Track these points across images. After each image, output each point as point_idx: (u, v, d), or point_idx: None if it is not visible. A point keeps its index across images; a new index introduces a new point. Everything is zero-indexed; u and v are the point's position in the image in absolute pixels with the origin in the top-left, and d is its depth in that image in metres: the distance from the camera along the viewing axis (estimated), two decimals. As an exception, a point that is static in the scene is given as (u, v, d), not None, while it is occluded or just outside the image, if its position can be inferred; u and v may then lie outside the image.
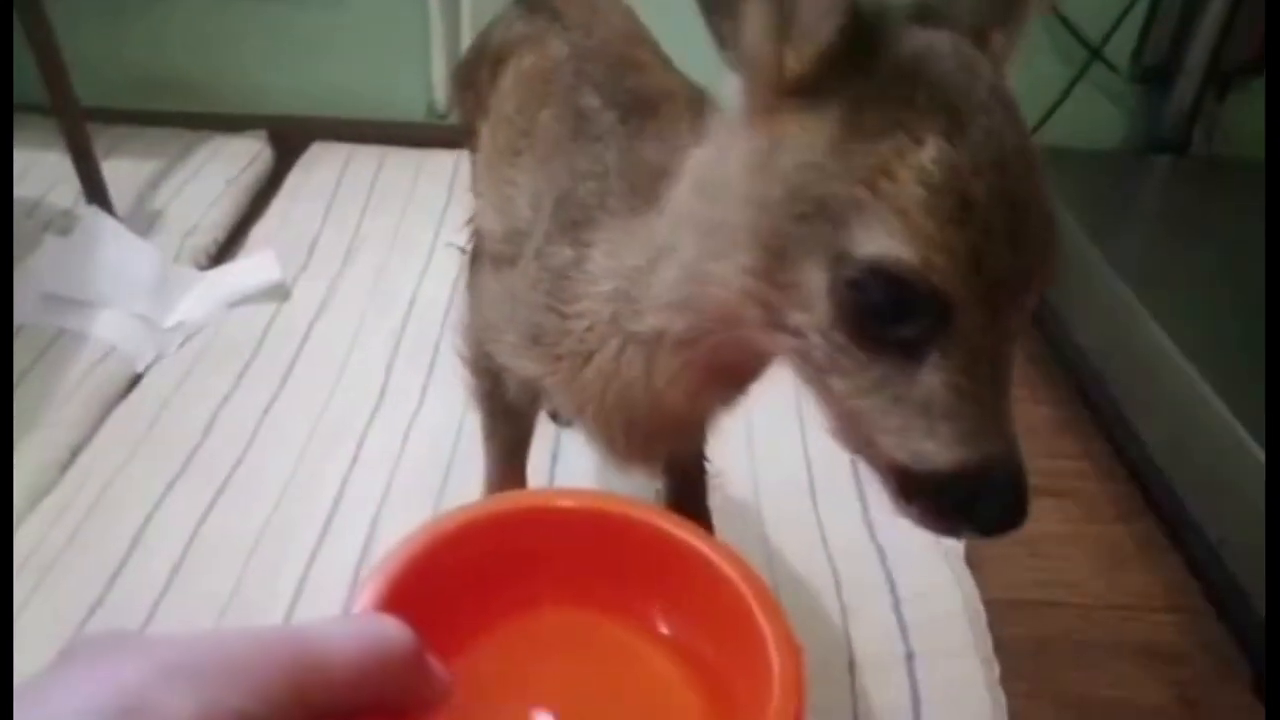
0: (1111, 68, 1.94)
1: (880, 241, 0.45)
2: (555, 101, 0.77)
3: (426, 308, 1.54)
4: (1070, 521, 1.30)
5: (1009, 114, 0.47)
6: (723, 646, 0.53)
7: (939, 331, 0.46)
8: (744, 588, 0.53)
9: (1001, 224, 0.44)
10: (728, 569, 0.53)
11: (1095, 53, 1.92)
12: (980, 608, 1.11)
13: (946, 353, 0.46)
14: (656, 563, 0.56)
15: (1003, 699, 1.01)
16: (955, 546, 1.19)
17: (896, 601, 1.09)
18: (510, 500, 0.57)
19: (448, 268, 1.63)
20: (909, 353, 0.47)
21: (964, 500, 0.47)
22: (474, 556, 0.54)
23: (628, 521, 0.57)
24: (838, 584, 1.11)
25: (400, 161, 1.96)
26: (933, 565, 1.14)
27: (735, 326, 0.54)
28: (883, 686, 1.01)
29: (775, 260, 0.49)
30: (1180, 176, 1.84)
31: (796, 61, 0.49)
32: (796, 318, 0.50)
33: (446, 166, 1.92)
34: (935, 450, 0.47)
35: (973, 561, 1.18)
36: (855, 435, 0.51)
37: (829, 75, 0.48)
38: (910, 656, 1.04)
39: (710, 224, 0.54)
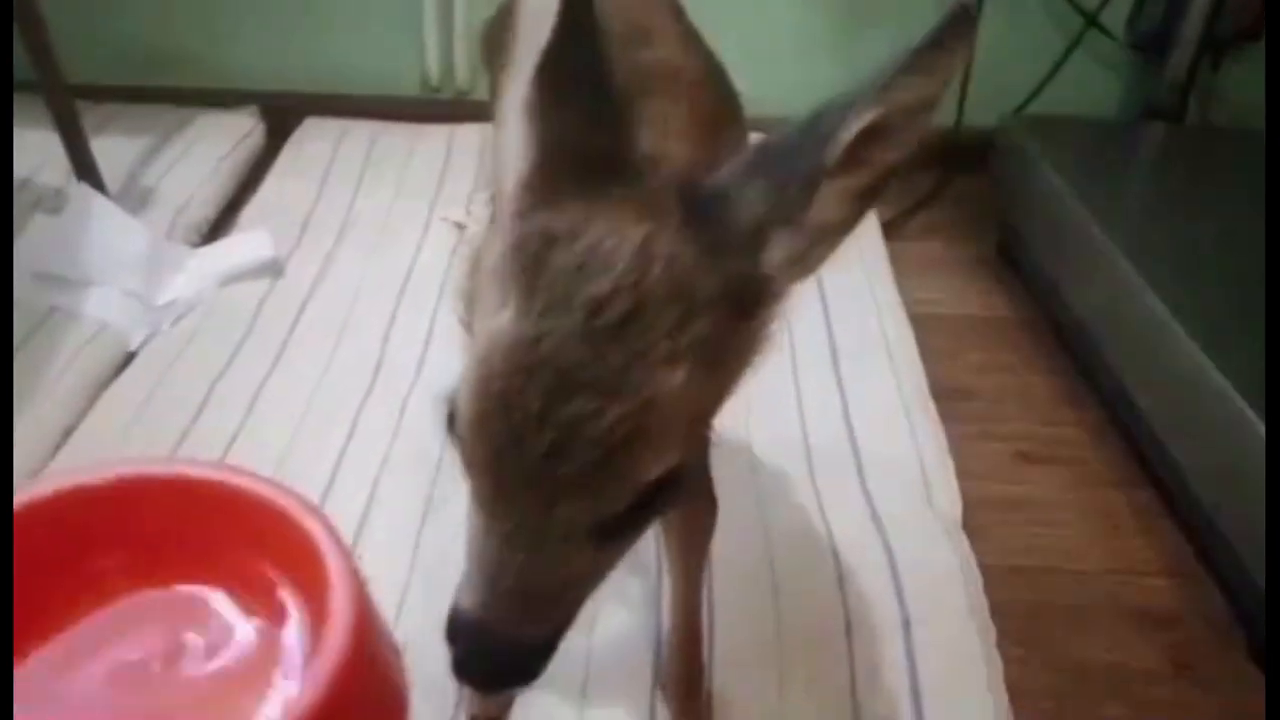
0: (1107, 35, 1.93)
1: (457, 376, 0.48)
2: None
3: (422, 282, 1.54)
4: (1067, 488, 1.30)
5: (606, 329, 0.44)
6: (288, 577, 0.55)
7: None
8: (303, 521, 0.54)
9: (512, 421, 0.44)
10: (288, 508, 0.54)
11: (1091, 20, 1.91)
12: (977, 573, 1.11)
13: (471, 498, 0.48)
14: (200, 516, 0.57)
15: (999, 663, 1.02)
16: (952, 514, 1.20)
17: (894, 568, 1.10)
18: (50, 482, 0.57)
19: (443, 242, 1.63)
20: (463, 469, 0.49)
21: (449, 630, 0.50)
22: (34, 540, 0.54)
23: (175, 482, 0.57)
24: (835, 551, 1.11)
25: (394, 136, 1.95)
26: (929, 532, 1.15)
27: None
28: (880, 652, 1.01)
29: None
30: (1175, 144, 1.83)
31: (524, 202, 0.50)
32: None
33: (441, 141, 1.91)
34: (460, 580, 0.50)
35: (969, 528, 1.18)
36: None
37: (525, 211, 0.50)
38: (907, 623, 1.04)
39: None
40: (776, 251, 0.47)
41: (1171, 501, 1.27)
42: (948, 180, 1.89)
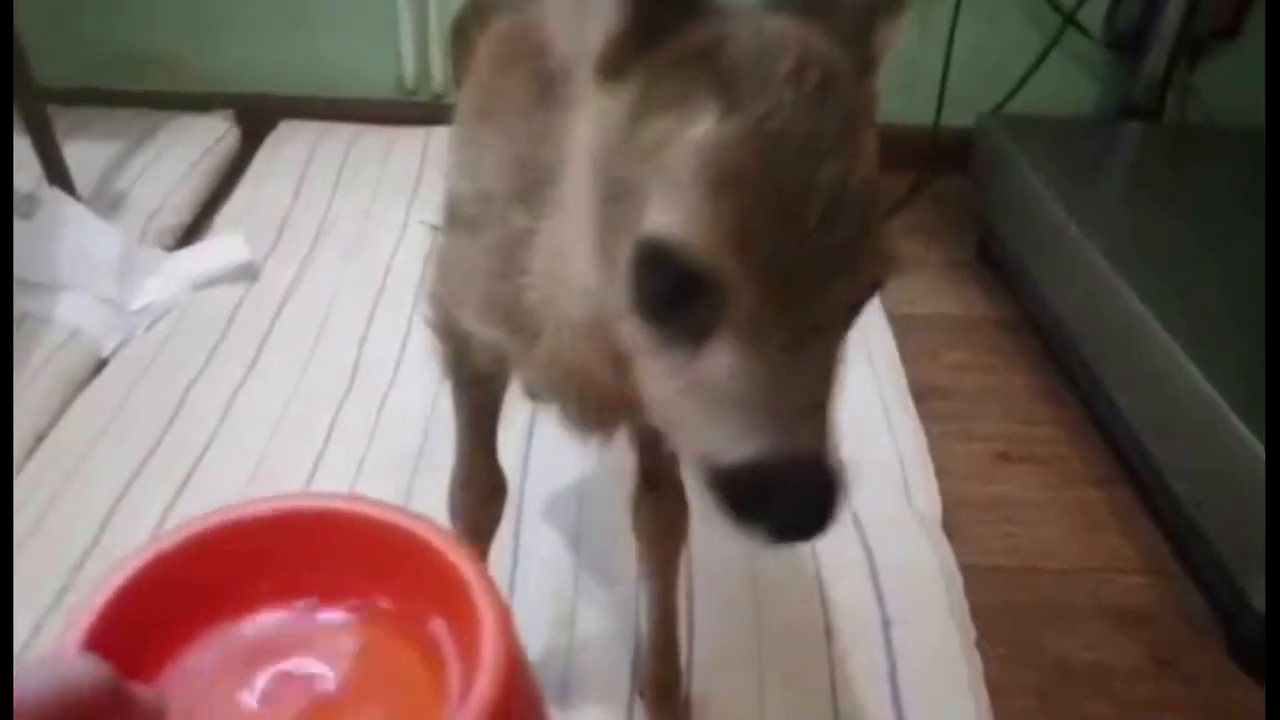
0: (1085, 34, 1.94)
1: (657, 220, 0.43)
2: (526, 61, 0.76)
3: (399, 284, 1.53)
4: (1046, 487, 1.30)
5: (813, 91, 0.43)
6: (438, 613, 0.54)
7: (722, 315, 0.43)
8: (450, 555, 0.53)
9: (778, 202, 0.41)
10: (432, 540, 0.54)
11: (1068, 19, 1.92)
12: (956, 573, 1.11)
13: (733, 336, 0.43)
14: (365, 548, 0.57)
15: (979, 663, 1.01)
16: (932, 514, 1.19)
17: (873, 569, 1.09)
18: (202, 521, 0.57)
19: (421, 244, 1.62)
20: (698, 336, 0.44)
21: (756, 498, 0.43)
22: (178, 578, 0.54)
23: (325, 515, 0.57)
24: (814, 553, 1.11)
25: (371, 139, 1.94)
26: (909, 533, 1.15)
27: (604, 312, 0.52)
28: (860, 654, 1.01)
29: (605, 248, 0.48)
30: (1153, 143, 1.84)
31: (598, 41, 0.48)
32: (615, 302, 0.47)
33: (418, 143, 1.90)
34: (725, 442, 0.43)
35: (949, 528, 1.18)
36: (665, 424, 0.48)
37: (632, 55, 0.47)
38: (887, 624, 1.04)
39: (570, 207, 0.53)
40: (879, 39, 0.49)
41: (1150, 499, 1.27)
42: (926, 180, 1.89)
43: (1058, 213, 1.50)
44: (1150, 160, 1.79)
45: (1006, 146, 1.68)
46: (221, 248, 1.56)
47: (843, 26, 0.49)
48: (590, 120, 0.50)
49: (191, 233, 1.68)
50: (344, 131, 1.95)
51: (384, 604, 0.57)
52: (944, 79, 1.81)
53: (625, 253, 0.45)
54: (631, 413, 0.77)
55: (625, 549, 0.93)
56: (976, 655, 1.03)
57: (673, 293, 0.44)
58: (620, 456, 0.92)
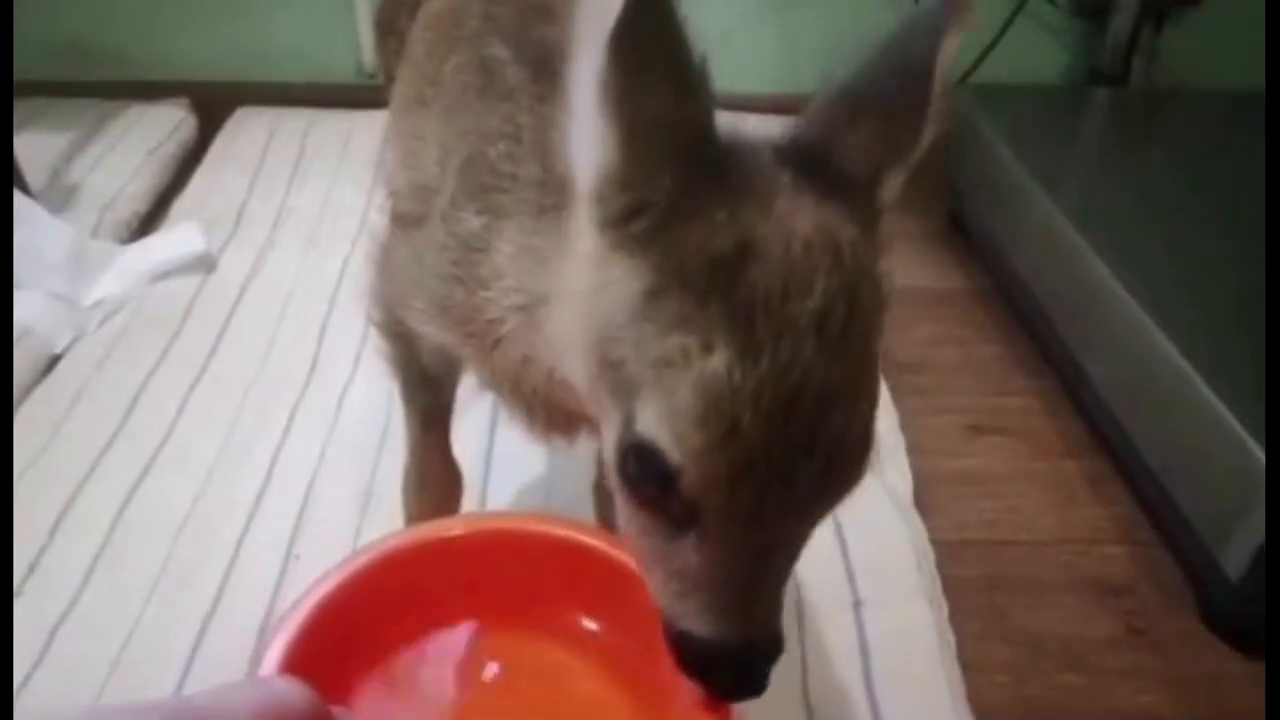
0: (1050, 2, 1.92)
1: (652, 428, 0.43)
2: (462, 49, 0.73)
3: (360, 274, 1.49)
4: (1019, 459, 1.29)
5: (832, 341, 0.42)
6: (645, 643, 0.52)
7: (697, 523, 0.45)
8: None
9: (773, 462, 0.42)
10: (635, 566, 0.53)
11: (1031, -13, 1.90)
12: (929, 550, 1.10)
13: (703, 539, 0.45)
14: (567, 571, 0.56)
15: (952, 640, 1.00)
16: (903, 489, 1.18)
17: (844, 546, 1.08)
18: (403, 538, 0.56)
19: (369, 243, 1.58)
20: (674, 523, 0.45)
21: (703, 661, 0.47)
22: (378, 598, 0.53)
23: (529, 537, 0.57)
24: (784, 533, 1.09)
25: (330, 125, 1.90)
26: (880, 510, 1.13)
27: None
28: (831, 632, 0.99)
29: (595, 385, 0.49)
30: (1120, 109, 1.83)
31: (626, 204, 0.45)
32: (604, 439, 0.49)
33: (378, 129, 1.85)
34: (683, 613, 0.46)
35: (921, 504, 1.17)
36: (637, 562, 0.50)
37: (654, 231, 0.45)
38: (858, 602, 1.02)
39: (568, 314, 0.52)
40: (888, 189, 0.48)
41: (1123, 469, 1.26)
42: (895, 152, 1.87)
43: (1027, 180, 1.49)
44: (1118, 126, 1.78)
45: (975, 115, 1.67)
46: (176, 239, 1.52)
47: (852, 185, 0.47)
48: (592, 272, 0.48)
49: (148, 223, 1.64)
50: (302, 117, 1.91)
51: (581, 628, 0.55)
52: (910, 49, 1.78)
53: (617, 423, 0.46)
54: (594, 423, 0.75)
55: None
56: (950, 631, 1.01)
57: (655, 486, 0.44)
58: (584, 447, 0.90)
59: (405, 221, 0.74)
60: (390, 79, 0.91)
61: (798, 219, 0.44)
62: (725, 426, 0.41)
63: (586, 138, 0.45)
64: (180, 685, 0.92)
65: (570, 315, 0.51)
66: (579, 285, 0.49)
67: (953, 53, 0.45)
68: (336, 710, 0.42)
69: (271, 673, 0.47)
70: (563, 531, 0.58)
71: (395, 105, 0.84)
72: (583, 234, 0.48)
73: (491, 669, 0.55)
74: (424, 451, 0.87)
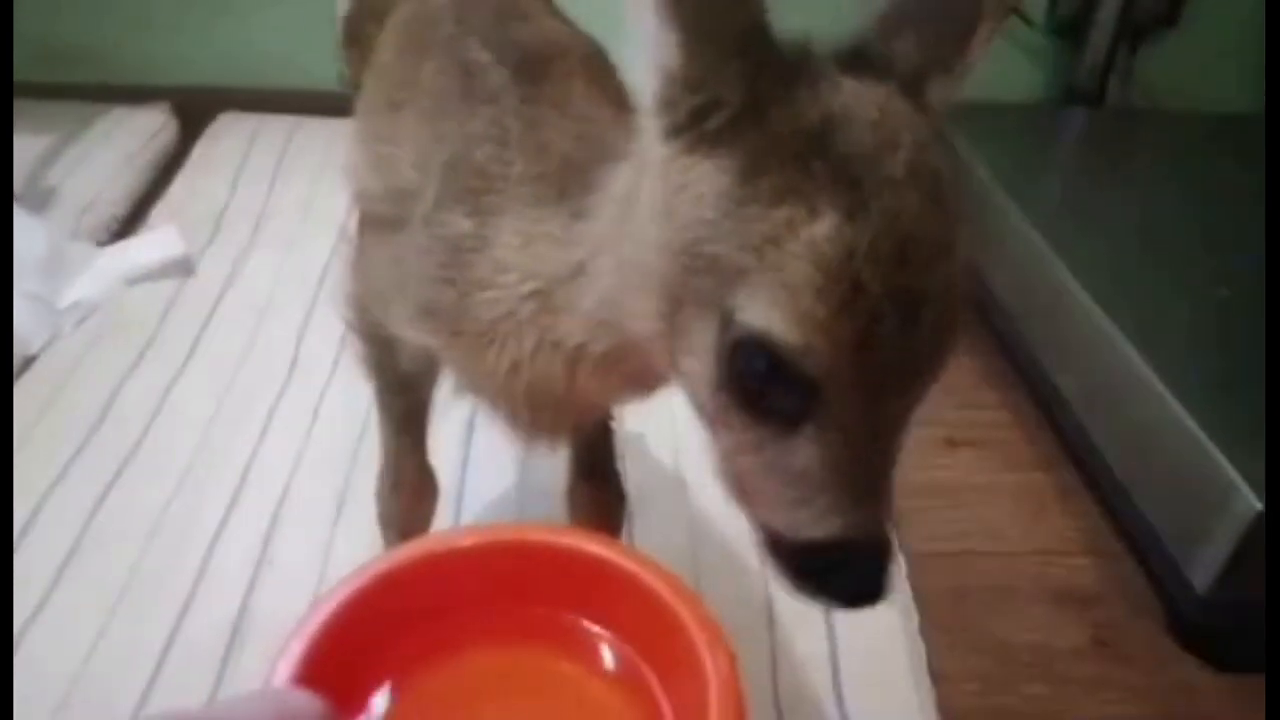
0: (1027, 22, 1.94)
1: (763, 314, 0.43)
2: (438, 53, 0.73)
3: (337, 278, 1.50)
4: (990, 471, 1.30)
5: (927, 191, 0.43)
6: (657, 659, 0.53)
7: (816, 407, 0.44)
8: (670, 598, 0.52)
9: (895, 316, 0.42)
10: (651, 580, 0.53)
11: (1011, 7, 1.92)
12: (900, 559, 1.10)
13: (823, 428, 0.44)
14: (576, 583, 0.56)
15: (922, 649, 1.01)
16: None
17: (816, 557, 1.08)
18: (411, 550, 0.56)
19: (343, 249, 1.58)
20: (787, 422, 0.45)
21: (825, 570, 0.46)
22: (387, 611, 0.53)
23: (535, 548, 0.57)
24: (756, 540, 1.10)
25: (311, 131, 1.90)
26: (852, 519, 1.14)
27: (652, 354, 0.53)
28: (802, 642, 1.00)
29: (675, 306, 0.47)
30: (1096, 128, 1.85)
31: (697, 104, 0.45)
32: (690, 365, 0.48)
33: (359, 135, 1.87)
34: (805, 520, 0.46)
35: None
36: (737, 488, 0.49)
37: (733, 123, 0.45)
38: (829, 610, 1.03)
39: (627, 256, 0.52)
40: (933, 94, 0.48)
41: (1092, 481, 1.28)
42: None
43: (1001, 198, 1.51)
44: (1093, 145, 1.81)
45: (951, 133, 1.68)
46: (156, 242, 1.52)
47: (902, 85, 0.48)
48: (666, 180, 0.47)
49: (127, 227, 1.64)
50: (283, 123, 1.91)
51: (595, 643, 0.55)
52: (889, 66, 1.80)
53: (712, 331, 0.45)
54: (588, 418, 0.76)
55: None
56: (920, 641, 1.02)
57: (767, 380, 0.44)
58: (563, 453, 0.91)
59: (380, 225, 0.74)
60: (355, 86, 0.91)
61: (867, 95, 0.46)
62: (846, 287, 0.41)
63: (648, 46, 0.45)
64: (148, 688, 0.92)
65: (637, 242, 0.50)
66: (651, 201, 0.49)
67: None
68: None
69: (283, 684, 0.47)
70: (566, 540, 0.59)
71: (362, 109, 0.84)
72: (648, 148, 0.49)
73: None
74: (399, 455, 0.87)
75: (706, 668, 0.50)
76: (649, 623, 0.53)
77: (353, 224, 0.84)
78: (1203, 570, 1.04)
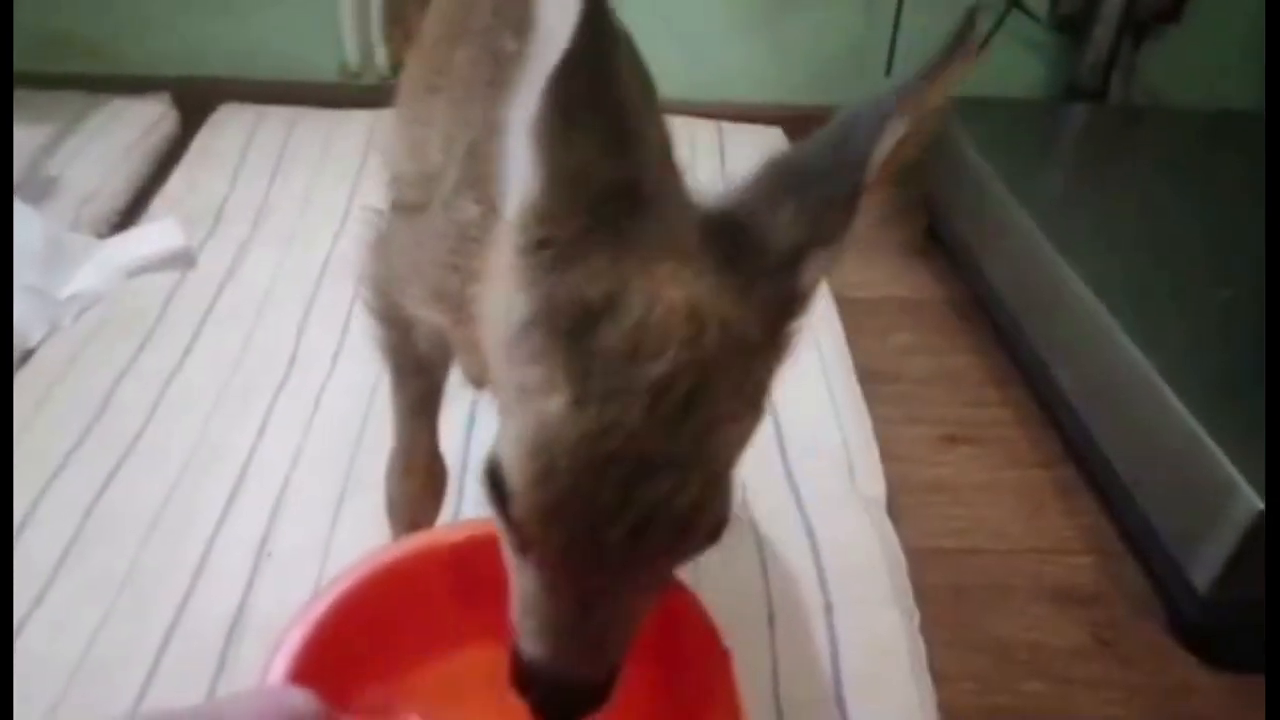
0: (1030, 16, 1.94)
1: (501, 448, 0.45)
2: (473, 41, 0.74)
3: (340, 271, 1.49)
4: (991, 469, 1.30)
5: (663, 414, 0.42)
6: (654, 657, 0.53)
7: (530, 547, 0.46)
8: (667, 596, 0.52)
9: (583, 515, 0.42)
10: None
11: (1014, 2, 1.91)
12: (900, 557, 1.10)
13: (536, 565, 0.46)
14: None
15: (922, 647, 1.01)
16: (876, 496, 1.19)
17: (816, 553, 1.09)
18: (407, 545, 0.56)
19: (363, 230, 1.58)
20: (518, 543, 0.47)
21: (531, 684, 0.48)
22: (383, 606, 0.53)
23: None
24: (757, 536, 1.10)
25: (312, 123, 1.89)
26: (852, 516, 1.14)
27: None
28: (802, 639, 1.00)
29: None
30: (1098, 123, 1.84)
31: (539, 236, 0.45)
32: None
33: (360, 127, 1.86)
34: (522, 632, 0.48)
35: (893, 511, 1.18)
36: None
37: (549, 267, 0.45)
38: (829, 608, 1.03)
39: (488, 319, 0.53)
40: (812, 271, 0.47)
41: (1094, 478, 1.27)
42: (875, 163, 1.88)
43: (1003, 194, 1.50)
44: (1096, 141, 1.80)
45: (953, 128, 1.68)
46: (155, 234, 1.51)
47: (768, 261, 0.46)
48: (501, 289, 0.48)
49: (127, 218, 1.63)
50: (284, 115, 1.91)
51: None
52: (890, 61, 1.80)
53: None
54: None
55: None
56: (920, 640, 1.02)
57: (501, 502, 0.46)
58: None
59: (407, 209, 0.75)
60: (397, 67, 0.92)
61: (675, 285, 0.44)
62: (544, 466, 0.42)
63: (518, 165, 0.45)
64: (147, 682, 0.92)
65: (488, 322, 0.51)
66: (495, 298, 0.50)
67: (892, 146, 0.45)
68: None
69: (279, 681, 0.47)
70: None
71: (402, 91, 0.85)
72: (504, 252, 0.49)
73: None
74: (411, 438, 0.87)
75: (703, 666, 0.50)
76: (646, 620, 0.53)
77: (368, 212, 0.84)
78: (1204, 569, 1.04)
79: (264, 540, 1.06)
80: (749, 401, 0.46)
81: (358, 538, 1.05)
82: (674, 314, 0.43)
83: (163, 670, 0.93)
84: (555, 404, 0.42)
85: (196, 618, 0.98)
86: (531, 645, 0.47)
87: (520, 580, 0.47)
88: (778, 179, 0.47)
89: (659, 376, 0.42)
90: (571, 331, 0.43)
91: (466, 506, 1.12)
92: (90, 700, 0.90)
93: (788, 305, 0.47)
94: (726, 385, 0.44)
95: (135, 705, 0.89)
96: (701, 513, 0.44)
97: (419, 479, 0.89)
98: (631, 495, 0.42)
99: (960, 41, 0.47)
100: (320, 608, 0.51)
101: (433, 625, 0.56)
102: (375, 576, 0.55)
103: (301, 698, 0.39)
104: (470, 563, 0.57)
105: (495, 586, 0.55)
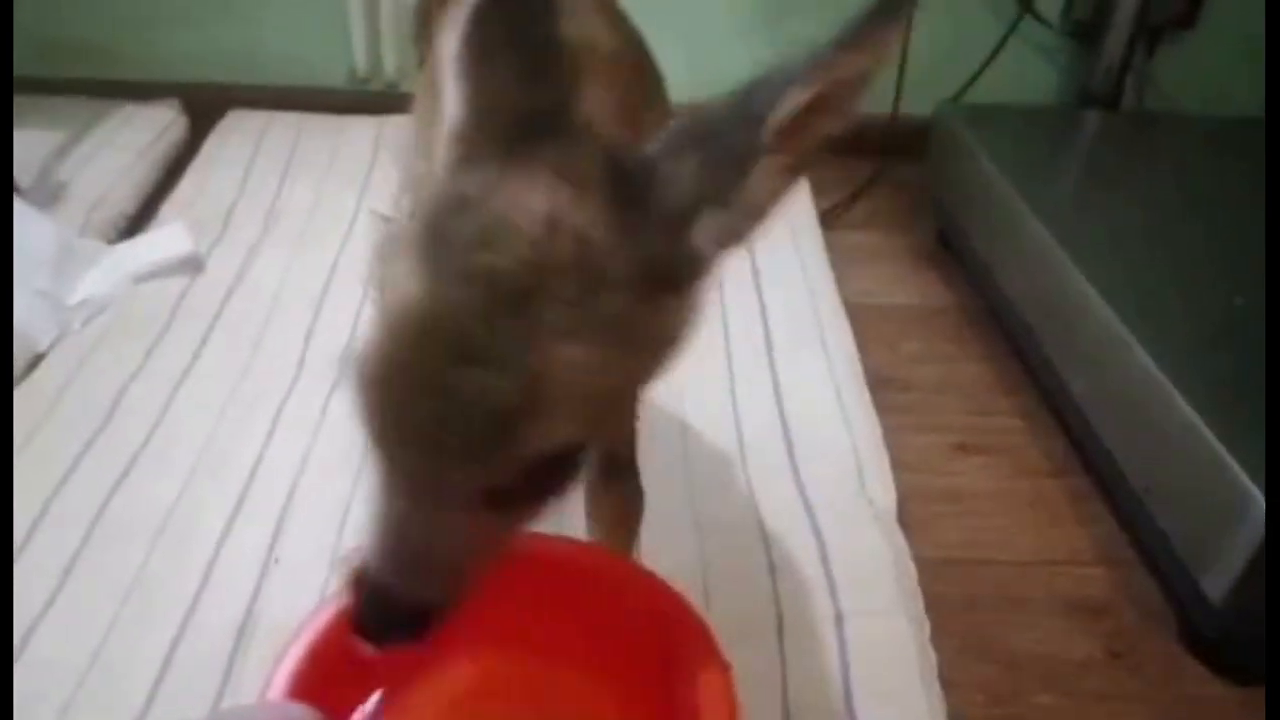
0: (1043, 23, 1.93)
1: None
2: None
3: (348, 276, 1.50)
4: (1002, 478, 1.29)
5: (481, 306, 0.42)
6: (649, 670, 0.52)
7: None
8: (666, 609, 0.52)
9: (397, 384, 0.43)
10: (648, 592, 0.52)
11: (1026, 7, 1.91)
12: (911, 566, 1.09)
13: (374, 466, 0.47)
14: (570, 591, 0.55)
15: (932, 657, 1.00)
16: (886, 505, 1.18)
17: (826, 562, 1.08)
18: None
19: (370, 236, 1.58)
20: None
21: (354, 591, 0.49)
22: None
23: (533, 555, 0.56)
24: (766, 545, 1.09)
25: (320, 128, 1.90)
26: (863, 525, 1.13)
27: None
28: (812, 649, 0.99)
29: None
30: (1111, 130, 1.83)
31: (454, 155, 0.48)
32: None
33: (369, 133, 1.87)
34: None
35: (904, 521, 1.17)
36: None
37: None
38: (840, 618, 1.02)
39: None
40: (707, 228, 0.46)
41: (1106, 488, 1.26)
42: (885, 169, 1.87)
43: (1015, 201, 1.49)
44: (1108, 147, 1.79)
45: (965, 135, 1.67)
46: (164, 239, 1.52)
47: (663, 211, 0.46)
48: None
49: (136, 224, 1.64)
50: (293, 121, 1.91)
51: (590, 652, 0.54)
52: (902, 67, 1.79)
53: None
54: None
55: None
56: (930, 650, 1.01)
57: None
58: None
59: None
60: (422, 64, 0.92)
61: (544, 196, 0.44)
62: (383, 336, 0.44)
63: (447, 96, 0.48)
64: (155, 687, 0.91)
65: None
66: None
67: (793, 110, 0.44)
68: None
69: (279, 696, 0.46)
70: (555, 546, 0.58)
71: (417, 91, 0.85)
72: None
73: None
74: None
75: (701, 678, 0.50)
76: (644, 631, 0.52)
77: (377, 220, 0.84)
78: (1218, 580, 1.03)
79: (272, 546, 1.06)
80: (597, 332, 0.44)
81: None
82: (531, 217, 0.44)
83: (171, 675, 0.92)
84: (409, 284, 0.44)
85: (205, 623, 0.98)
86: (369, 551, 0.48)
87: (374, 483, 0.48)
88: (683, 133, 0.47)
89: (496, 267, 0.42)
90: (434, 219, 0.45)
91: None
92: (100, 704, 0.89)
93: (676, 260, 0.47)
94: (568, 302, 0.43)
95: (145, 709, 0.89)
96: (509, 426, 0.43)
97: None
98: (446, 380, 0.42)
99: (887, 10, 0.44)
100: (322, 620, 0.51)
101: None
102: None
103: (302, 713, 0.39)
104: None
105: (494, 596, 0.55)
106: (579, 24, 0.70)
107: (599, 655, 0.56)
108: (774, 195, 0.46)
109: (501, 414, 0.43)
